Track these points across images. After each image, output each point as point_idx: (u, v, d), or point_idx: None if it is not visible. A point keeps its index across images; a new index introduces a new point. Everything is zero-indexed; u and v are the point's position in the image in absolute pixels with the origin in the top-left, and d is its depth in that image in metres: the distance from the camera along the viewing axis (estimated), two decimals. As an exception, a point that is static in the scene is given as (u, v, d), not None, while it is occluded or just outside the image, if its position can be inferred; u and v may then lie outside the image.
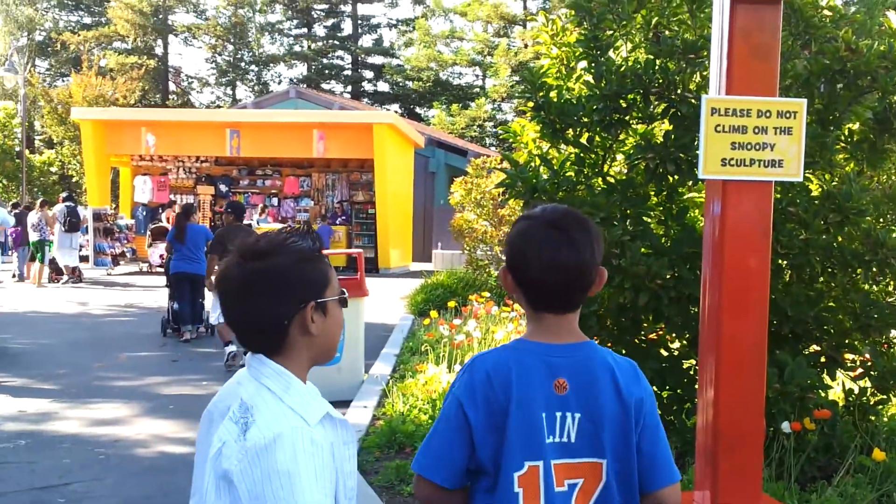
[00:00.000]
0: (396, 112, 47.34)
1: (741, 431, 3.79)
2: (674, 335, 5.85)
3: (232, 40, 56.48)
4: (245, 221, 24.41)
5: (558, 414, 2.15)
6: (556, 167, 5.75)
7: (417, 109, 56.72)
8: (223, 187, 27.71)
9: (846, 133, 5.79)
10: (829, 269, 5.57)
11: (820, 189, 5.71)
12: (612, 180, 5.86)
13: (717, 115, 3.89)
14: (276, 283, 1.97)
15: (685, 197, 5.89)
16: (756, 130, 3.89)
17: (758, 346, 3.91)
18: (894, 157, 5.99)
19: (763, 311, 4.00)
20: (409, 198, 28.70)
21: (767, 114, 3.90)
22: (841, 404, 5.83)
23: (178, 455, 6.92)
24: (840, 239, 5.43)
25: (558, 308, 2.22)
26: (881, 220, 5.68)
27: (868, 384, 5.71)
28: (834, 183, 5.68)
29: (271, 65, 58.41)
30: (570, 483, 2.15)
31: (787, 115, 3.92)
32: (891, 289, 5.58)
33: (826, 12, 5.91)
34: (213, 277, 10.63)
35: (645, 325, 5.71)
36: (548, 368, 2.17)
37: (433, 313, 11.32)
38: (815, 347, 5.72)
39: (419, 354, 10.47)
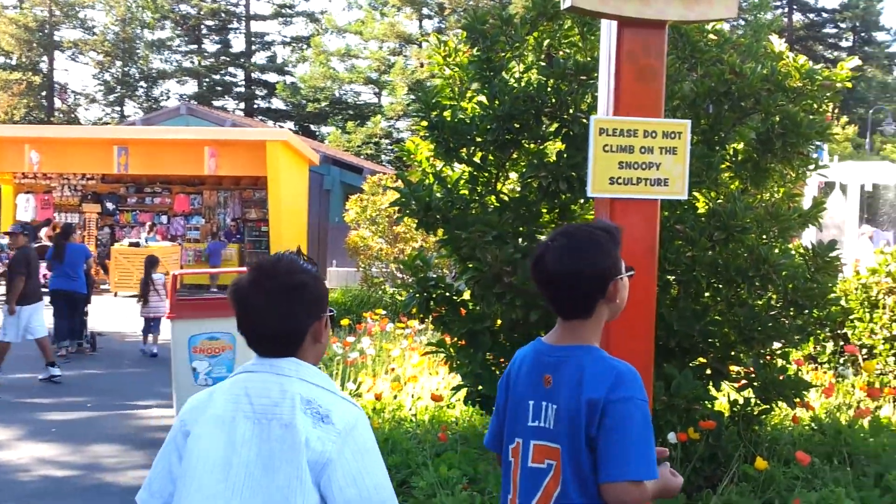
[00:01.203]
0: (291, 129, 46.94)
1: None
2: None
3: (120, 56, 55.12)
4: (133, 239, 24.01)
5: (543, 403, 2.55)
6: (449, 185, 5.79)
7: (312, 127, 56.22)
8: (110, 205, 26.96)
9: (731, 153, 5.97)
10: (715, 285, 5.72)
11: (706, 207, 5.87)
12: (506, 198, 5.93)
13: (605, 135, 3.98)
14: (308, 297, 2.37)
15: (577, 215, 5.99)
16: (642, 150, 4.00)
17: (645, 359, 4.00)
18: (776, 175, 6.20)
19: (650, 326, 4.10)
20: (303, 215, 28.37)
21: (653, 134, 4.01)
22: (726, 415, 5.99)
23: (63, 478, 6.72)
24: (725, 255, 5.58)
25: (559, 313, 2.61)
26: (764, 236, 5.85)
27: (752, 395, 5.88)
28: (719, 201, 5.84)
29: (161, 81, 57.16)
30: (549, 462, 2.51)
31: (672, 135, 4.04)
32: (773, 302, 5.76)
33: (712, 36, 6.10)
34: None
35: (538, 340, 5.76)
36: (540, 365, 2.59)
37: (327, 331, 11.22)
38: (701, 360, 5.86)
39: (314, 373, 10.35)
